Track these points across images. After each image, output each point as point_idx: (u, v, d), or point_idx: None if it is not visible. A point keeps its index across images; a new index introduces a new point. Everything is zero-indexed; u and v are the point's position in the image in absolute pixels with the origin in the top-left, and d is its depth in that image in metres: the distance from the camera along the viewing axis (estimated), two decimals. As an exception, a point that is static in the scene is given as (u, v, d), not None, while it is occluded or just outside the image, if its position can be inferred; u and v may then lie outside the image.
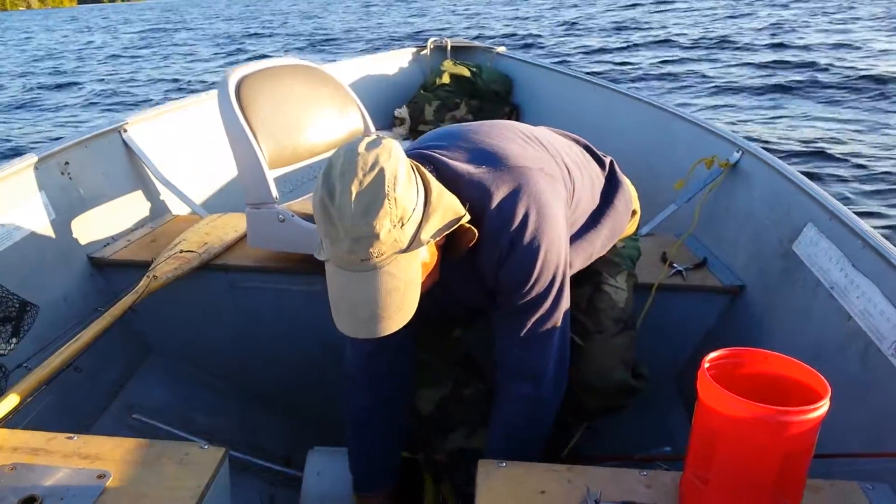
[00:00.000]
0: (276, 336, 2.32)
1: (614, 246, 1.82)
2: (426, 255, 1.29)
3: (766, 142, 6.84)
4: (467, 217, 1.31)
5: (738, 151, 2.45)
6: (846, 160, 6.28)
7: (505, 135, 1.52)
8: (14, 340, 1.65)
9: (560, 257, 1.43)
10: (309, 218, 2.11)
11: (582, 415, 1.74)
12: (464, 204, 1.33)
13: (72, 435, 1.39)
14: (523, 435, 1.56)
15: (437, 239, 1.27)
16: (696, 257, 2.29)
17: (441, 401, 1.80)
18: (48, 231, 2.21)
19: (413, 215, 1.20)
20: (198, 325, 2.38)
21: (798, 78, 9.51)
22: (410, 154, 1.39)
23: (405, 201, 1.18)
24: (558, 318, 1.47)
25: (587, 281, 1.75)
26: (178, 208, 2.81)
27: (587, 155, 1.73)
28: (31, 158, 2.22)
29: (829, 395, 1.09)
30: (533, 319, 1.45)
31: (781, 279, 2.00)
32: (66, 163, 2.37)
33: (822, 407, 1.08)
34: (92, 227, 2.40)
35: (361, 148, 1.19)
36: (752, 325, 2.05)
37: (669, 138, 2.99)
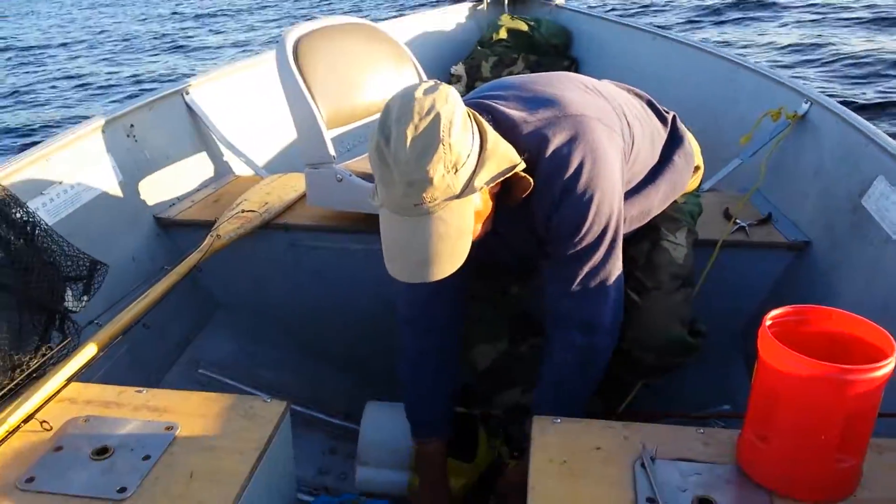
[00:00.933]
0: (335, 294, 2.36)
1: (675, 202, 1.78)
2: (479, 203, 1.28)
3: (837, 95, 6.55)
4: (522, 165, 1.30)
5: (806, 102, 2.36)
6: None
7: (565, 84, 1.50)
8: (85, 298, 1.71)
9: (613, 208, 1.41)
10: (366, 177, 2.12)
11: (638, 373, 1.72)
12: (521, 153, 1.32)
13: (141, 389, 1.44)
14: (572, 384, 1.55)
15: (492, 186, 1.27)
16: (759, 213, 2.22)
17: (498, 356, 1.81)
18: (116, 192, 2.28)
19: (467, 161, 1.20)
20: (260, 283, 2.44)
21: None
22: (468, 102, 1.37)
23: (460, 147, 1.18)
24: (611, 269, 1.46)
25: (646, 237, 1.72)
26: (239, 169, 2.86)
27: (649, 110, 1.69)
28: (97, 121, 2.28)
29: None
30: (585, 269, 1.44)
31: (850, 235, 1.93)
32: (132, 125, 2.43)
33: (889, 365, 1.05)
34: (157, 188, 2.46)
35: (418, 93, 1.19)
36: (818, 282, 1.99)
37: (734, 90, 2.90)
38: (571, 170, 1.36)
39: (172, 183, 2.55)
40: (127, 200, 2.33)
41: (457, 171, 1.19)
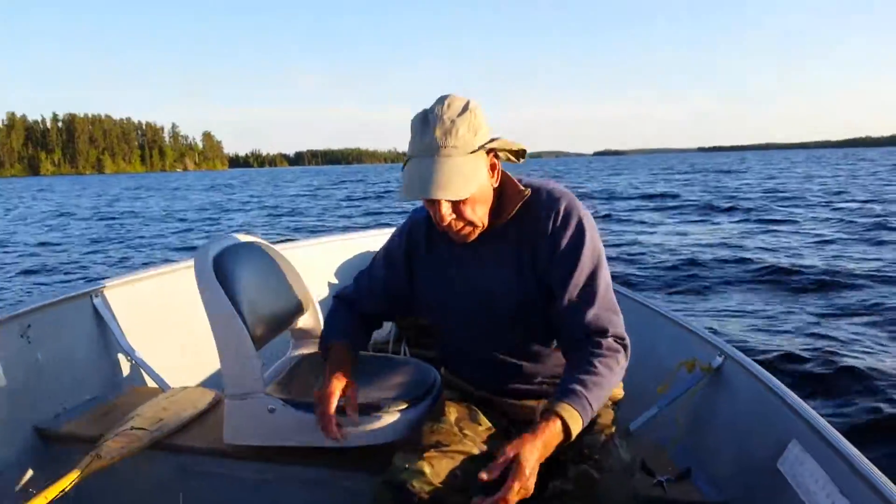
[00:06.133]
0: None
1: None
2: (485, 180, 1.62)
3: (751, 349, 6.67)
4: (525, 148, 1.72)
5: (720, 356, 2.38)
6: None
7: None
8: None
9: (600, 246, 1.72)
10: (299, 405, 1.92)
11: None
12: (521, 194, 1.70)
13: None
14: (608, 381, 1.64)
15: (494, 180, 1.67)
16: (677, 466, 2.16)
17: None
18: None
19: (482, 133, 1.60)
20: None
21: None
22: None
23: (480, 121, 1.59)
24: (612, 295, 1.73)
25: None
26: (140, 380, 2.70)
27: None
28: None
29: None
30: (601, 288, 1.68)
31: (768, 499, 1.87)
32: (29, 325, 2.29)
33: None
34: (45, 395, 2.28)
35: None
36: None
37: (651, 337, 2.94)
38: (566, 203, 1.70)
39: (63, 391, 2.37)
40: (7, 406, 2.13)
41: (476, 134, 1.58)
